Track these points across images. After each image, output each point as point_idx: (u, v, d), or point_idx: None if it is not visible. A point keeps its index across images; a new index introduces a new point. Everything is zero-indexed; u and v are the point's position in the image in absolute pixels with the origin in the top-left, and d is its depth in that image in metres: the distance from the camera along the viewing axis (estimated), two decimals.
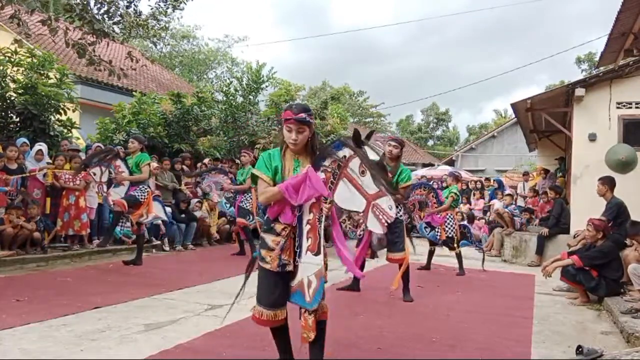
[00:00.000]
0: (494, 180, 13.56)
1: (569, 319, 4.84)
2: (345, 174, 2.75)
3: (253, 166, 7.97)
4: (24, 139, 7.54)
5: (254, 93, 11.78)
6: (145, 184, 6.54)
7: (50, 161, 7.51)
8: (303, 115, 2.78)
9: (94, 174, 6.50)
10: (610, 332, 4.40)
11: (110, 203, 6.46)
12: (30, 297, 4.57)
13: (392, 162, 5.28)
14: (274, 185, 2.84)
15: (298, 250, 2.79)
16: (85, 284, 5.36)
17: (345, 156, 2.75)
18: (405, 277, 5.27)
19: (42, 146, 7.49)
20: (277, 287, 2.82)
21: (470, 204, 12.63)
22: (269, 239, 2.84)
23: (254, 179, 2.97)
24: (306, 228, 2.77)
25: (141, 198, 6.42)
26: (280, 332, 2.96)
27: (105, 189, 6.52)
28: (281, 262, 2.78)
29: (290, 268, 2.80)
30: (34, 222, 6.71)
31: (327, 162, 2.77)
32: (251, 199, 7.93)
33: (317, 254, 2.72)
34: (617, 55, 7.58)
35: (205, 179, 8.60)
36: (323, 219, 2.72)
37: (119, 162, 6.42)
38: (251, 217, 7.70)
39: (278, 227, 2.83)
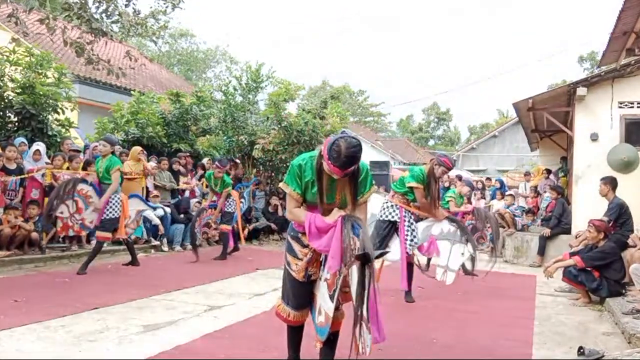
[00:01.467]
0: (496, 180, 13.49)
1: (571, 319, 4.81)
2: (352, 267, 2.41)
3: (228, 175, 7.87)
4: (22, 139, 7.51)
5: (253, 92, 11.73)
6: (115, 195, 6.14)
7: (49, 161, 7.47)
8: (350, 170, 2.53)
9: (62, 213, 5.97)
10: (611, 333, 4.37)
11: (90, 227, 6.19)
12: (28, 298, 4.54)
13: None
14: (304, 201, 2.75)
15: (323, 262, 2.75)
16: (83, 285, 5.33)
17: (357, 249, 2.36)
18: (408, 277, 5.24)
19: (39, 146, 7.45)
20: (303, 291, 2.85)
21: (472, 204, 12.56)
22: (297, 247, 2.82)
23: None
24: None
25: (117, 214, 6.15)
26: (297, 331, 2.98)
27: (78, 219, 6.07)
28: (307, 273, 2.79)
29: (315, 277, 2.82)
30: (32, 222, 6.68)
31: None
32: (234, 202, 7.85)
33: (331, 298, 2.62)
34: (619, 55, 7.53)
35: (196, 229, 7.59)
36: (341, 274, 2.51)
37: (81, 187, 5.98)
38: (246, 217, 7.43)
39: (305, 239, 2.78)
